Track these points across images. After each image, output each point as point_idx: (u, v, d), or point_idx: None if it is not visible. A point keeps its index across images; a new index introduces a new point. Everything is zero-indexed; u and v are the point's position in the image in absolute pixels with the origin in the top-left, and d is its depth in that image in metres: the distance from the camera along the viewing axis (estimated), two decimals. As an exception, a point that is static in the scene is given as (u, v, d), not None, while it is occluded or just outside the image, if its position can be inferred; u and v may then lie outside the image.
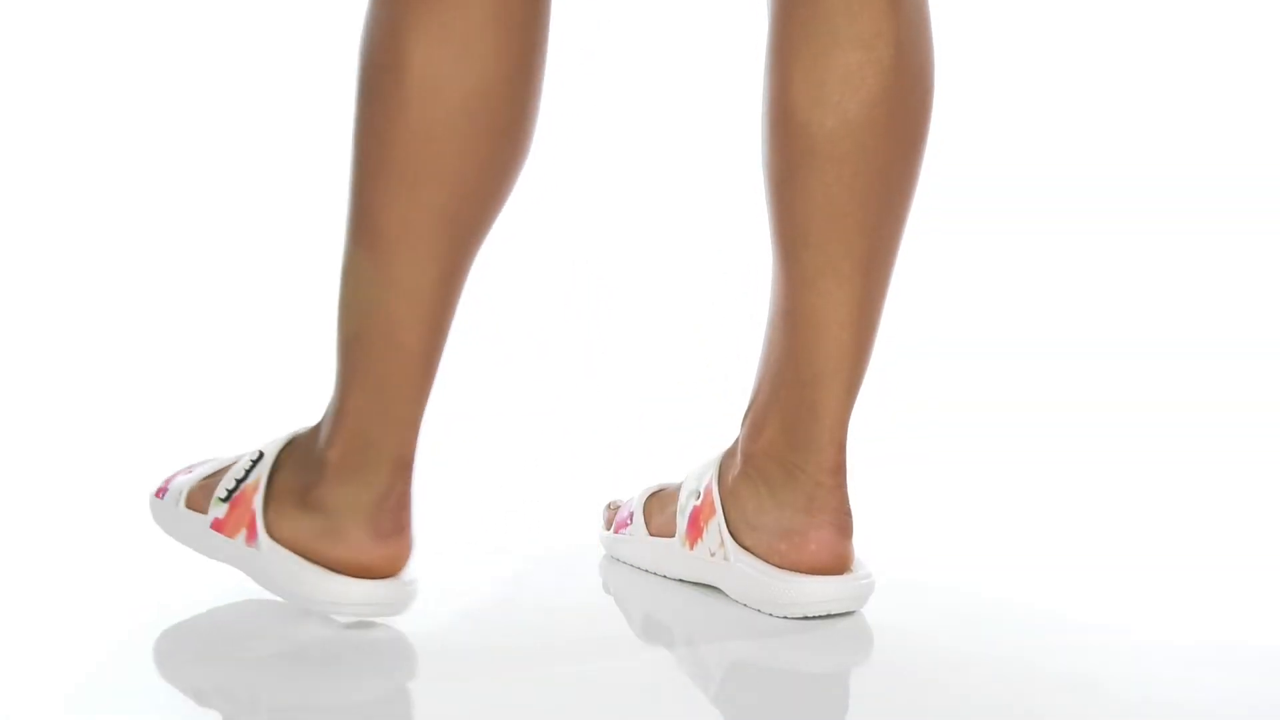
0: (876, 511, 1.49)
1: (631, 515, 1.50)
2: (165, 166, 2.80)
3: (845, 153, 1.34)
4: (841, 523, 1.38)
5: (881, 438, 2.06)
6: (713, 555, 1.41)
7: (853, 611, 1.37)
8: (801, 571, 1.37)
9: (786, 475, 1.39)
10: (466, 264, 1.33)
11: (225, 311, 2.62)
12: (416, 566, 1.34)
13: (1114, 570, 1.55)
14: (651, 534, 1.48)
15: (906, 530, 1.66)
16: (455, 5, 1.28)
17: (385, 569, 1.33)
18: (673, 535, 1.46)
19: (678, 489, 1.48)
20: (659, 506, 1.50)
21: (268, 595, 1.38)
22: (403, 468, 1.33)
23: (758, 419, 1.41)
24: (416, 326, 1.31)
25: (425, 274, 1.30)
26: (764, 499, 1.40)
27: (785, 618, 1.36)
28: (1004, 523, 1.68)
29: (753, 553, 1.39)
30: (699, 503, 1.43)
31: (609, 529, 1.53)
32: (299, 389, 1.65)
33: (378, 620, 1.34)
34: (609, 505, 1.56)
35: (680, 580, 1.45)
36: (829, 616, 1.36)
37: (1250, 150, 2.77)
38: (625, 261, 2.70)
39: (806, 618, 1.36)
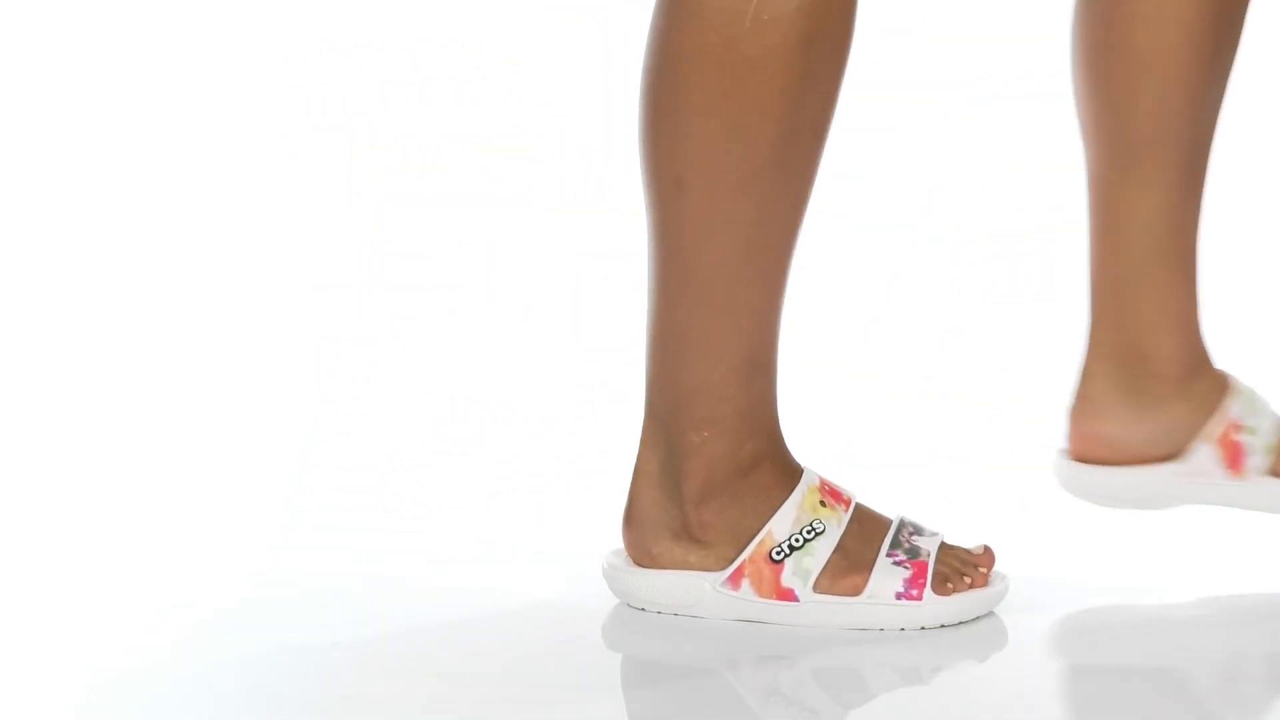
0: (876, 508, 1.48)
1: None
2: (163, 166, 2.80)
3: None
4: None
5: (880, 431, 2.06)
6: None
7: None
8: None
9: None
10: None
11: (223, 311, 2.61)
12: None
13: (1114, 569, 1.55)
14: None
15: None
16: None
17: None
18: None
19: None
20: None
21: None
22: None
23: None
24: None
25: None
26: None
27: None
28: (1002, 522, 1.67)
29: None
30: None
31: None
32: (295, 389, 1.66)
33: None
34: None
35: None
36: None
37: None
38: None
39: None
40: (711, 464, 1.37)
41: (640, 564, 1.40)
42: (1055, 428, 1.75)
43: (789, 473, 1.39)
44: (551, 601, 1.44)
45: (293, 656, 1.29)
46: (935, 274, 2.66)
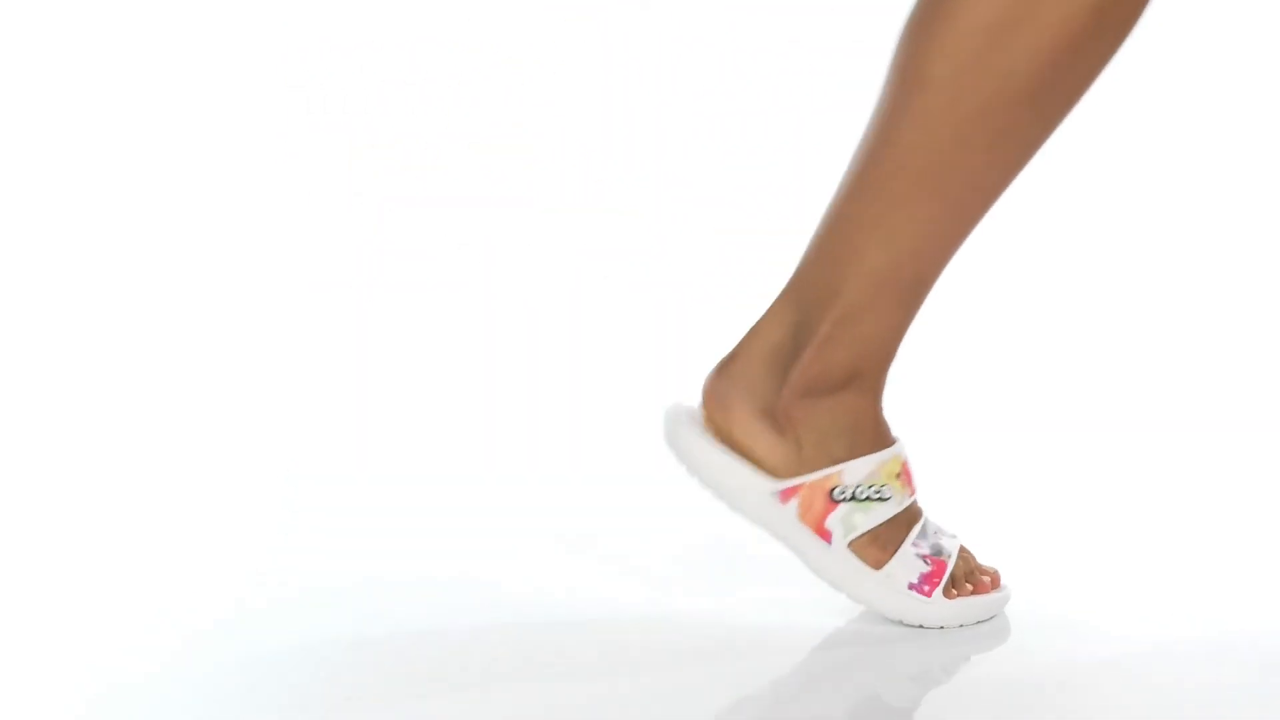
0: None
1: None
2: (164, 167, 2.80)
3: None
4: None
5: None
6: None
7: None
8: None
9: None
10: None
11: (224, 311, 2.61)
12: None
13: (1112, 571, 1.56)
14: None
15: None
16: None
17: None
18: None
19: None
20: None
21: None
22: None
23: None
24: None
25: None
26: None
27: None
28: (1000, 523, 1.67)
29: None
30: None
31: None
32: (296, 389, 1.65)
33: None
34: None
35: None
36: None
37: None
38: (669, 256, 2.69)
39: None
40: (830, 365, 1.36)
41: (712, 417, 1.39)
42: (1061, 436, 1.76)
43: (885, 431, 1.40)
44: (552, 602, 1.44)
45: (293, 656, 1.29)
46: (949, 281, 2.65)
